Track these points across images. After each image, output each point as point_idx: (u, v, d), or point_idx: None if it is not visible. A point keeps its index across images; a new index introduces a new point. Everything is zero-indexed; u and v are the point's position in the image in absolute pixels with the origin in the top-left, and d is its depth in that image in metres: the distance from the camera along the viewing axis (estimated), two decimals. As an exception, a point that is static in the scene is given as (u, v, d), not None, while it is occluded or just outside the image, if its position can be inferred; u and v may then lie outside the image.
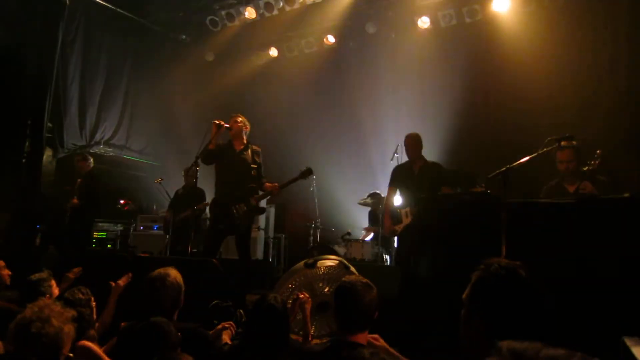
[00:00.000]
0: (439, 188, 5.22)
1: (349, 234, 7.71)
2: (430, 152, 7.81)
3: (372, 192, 7.84)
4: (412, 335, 3.51)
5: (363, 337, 2.52)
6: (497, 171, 3.42)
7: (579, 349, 0.93)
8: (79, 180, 7.16)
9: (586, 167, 4.10)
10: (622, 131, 6.60)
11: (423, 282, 3.71)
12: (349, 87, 9.64)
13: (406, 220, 5.40)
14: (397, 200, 5.79)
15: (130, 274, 3.85)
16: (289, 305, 3.00)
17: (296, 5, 8.08)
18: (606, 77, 7.09)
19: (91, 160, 7.32)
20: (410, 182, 5.48)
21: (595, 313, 2.70)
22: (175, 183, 8.06)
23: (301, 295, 3.24)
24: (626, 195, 3.13)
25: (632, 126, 6.54)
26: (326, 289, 3.47)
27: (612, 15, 7.18)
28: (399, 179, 5.65)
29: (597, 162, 4.04)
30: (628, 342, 1.70)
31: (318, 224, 8.17)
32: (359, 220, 8.76)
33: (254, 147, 5.41)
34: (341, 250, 7.17)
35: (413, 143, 5.55)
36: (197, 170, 5.25)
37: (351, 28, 9.21)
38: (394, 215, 5.58)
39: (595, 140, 5.41)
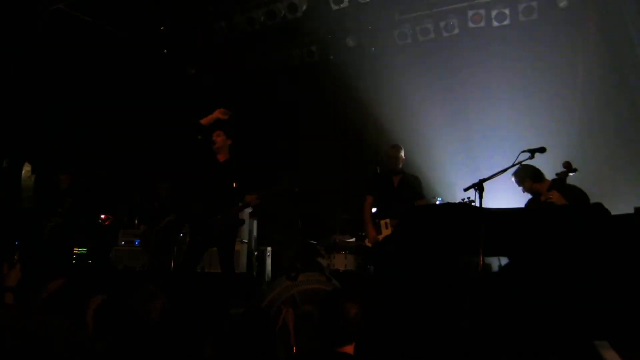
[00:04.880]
0: (416, 201, 5.41)
1: (332, 245, 7.72)
2: (410, 163, 7.94)
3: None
4: (399, 343, 3.56)
5: (350, 349, 2.53)
6: (472, 183, 3.52)
7: (552, 352, 0.99)
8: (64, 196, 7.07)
9: (555, 177, 4.26)
10: (595, 141, 6.84)
11: (407, 291, 3.76)
12: (330, 99, 9.74)
13: (386, 232, 5.44)
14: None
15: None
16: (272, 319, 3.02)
17: (277, 20, 8.16)
18: (579, 91, 7.32)
19: (75, 175, 7.24)
20: (390, 193, 5.55)
21: (569, 318, 2.77)
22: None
23: (284, 309, 3.25)
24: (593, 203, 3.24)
25: (605, 136, 6.78)
26: (308, 302, 3.50)
27: (584, 32, 7.43)
28: (379, 188, 5.69)
29: (564, 171, 4.19)
30: (598, 345, 1.77)
31: (301, 235, 8.17)
32: (342, 232, 8.80)
33: (238, 161, 5.43)
34: (325, 262, 7.19)
35: (396, 155, 5.61)
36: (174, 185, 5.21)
37: (331, 42, 9.34)
38: (375, 225, 5.62)
39: (570, 151, 5.60)
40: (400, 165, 5.64)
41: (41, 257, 6.85)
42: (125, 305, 2.81)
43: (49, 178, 7.99)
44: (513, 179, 4.68)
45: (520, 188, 4.70)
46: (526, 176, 4.55)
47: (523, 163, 4.25)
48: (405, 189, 5.50)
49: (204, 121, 5.15)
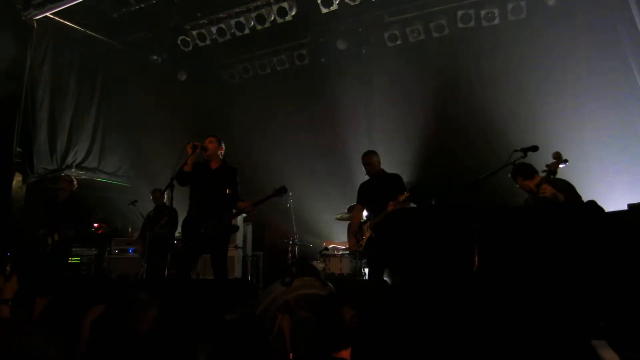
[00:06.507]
0: (396, 196, 5.32)
1: (327, 249, 7.72)
2: (403, 164, 7.95)
3: (349, 205, 7.90)
4: (393, 345, 3.54)
5: (347, 353, 2.51)
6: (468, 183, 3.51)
7: (550, 352, 0.97)
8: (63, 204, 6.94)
9: (545, 170, 4.23)
10: (588, 138, 6.87)
11: (398, 295, 3.75)
12: (322, 102, 9.74)
13: (367, 234, 5.49)
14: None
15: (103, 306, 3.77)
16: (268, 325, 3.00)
17: (267, 24, 8.15)
18: (570, 88, 7.34)
19: (75, 183, 7.15)
20: (370, 196, 5.60)
21: (565, 317, 2.77)
22: (151, 204, 8.00)
23: (280, 315, 3.23)
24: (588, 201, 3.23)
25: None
26: (304, 307, 3.47)
27: (573, 30, 7.47)
28: (363, 195, 5.75)
29: (554, 163, 4.17)
30: (595, 344, 1.76)
31: (296, 240, 8.17)
32: (336, 235, 8.81)
33: (230, 167, 5.41)
34: (320, 265, 7.18)
35: (368, 161, 5.63)
36: (169, 191, 5.17)
37: (322, 45, 9.35)
38: (359, 231, 5.67)
39: (563, 149, 5.59)
40: (378, 169, 5.64)
41: (39, 268, 6.71)
42: (118, 315, 2.78)
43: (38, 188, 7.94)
44: (510, 176, 4.66)
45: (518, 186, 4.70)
46: (518, 174, 4.57)
47: (516, 162, 4.26)
48: (381, 190, 5.50)
49: (187, 167, 5.15)
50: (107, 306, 3.65)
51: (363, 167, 5.69)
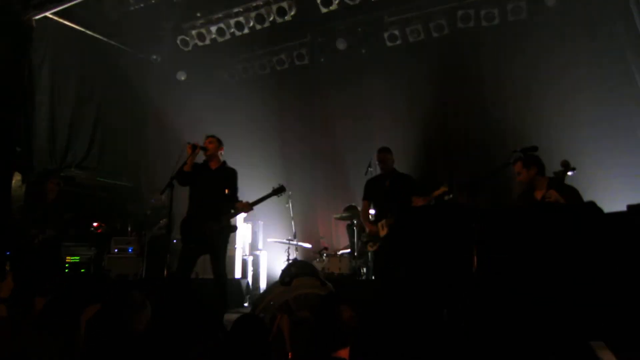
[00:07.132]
0: (409, 198, 5.33)
1: (326, 248, 7.72)
2: (402, 164, 7.96)
3: (347, 205, 7.90)
4: (392, 345, 3.53)
5: (345, 353, 2.52)
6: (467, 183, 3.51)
7: (548, 353, 0.97)
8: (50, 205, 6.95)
9: (553, 176, 4.23)
10: (587, 139, 6.87)
11: (400, 294, 3.74)
12: (321, 102, 9.74)
13: (383, 233, 5.46)
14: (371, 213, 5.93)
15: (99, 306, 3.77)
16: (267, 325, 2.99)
17: (266, 24, 8.16)
18: (569, 90, 7.33)
19: (61, 184, 7.15)
20: (382, 194, 5.61)
21: (564, 318, 2.76)
22: (150, 204, 8.00)
23: (279, 316, 3.22)
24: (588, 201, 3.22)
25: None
26: (303, 307, 3.47)
27: (573, 34, 7.47)
28: (372, 192, 5.76)
29: (562, 170, 4.16)
30: (594, 346, 1.76)
31: (295, 240, 8.17)
32: (336, 235, 8.81)
33: (230, 167, 5.41)
34: (319, 265, 7.18)
35: (382, 158, 5.66)
36: (169, 191, 5.18)
37: (322, 44, 9.35)
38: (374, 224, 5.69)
39: (562, 150, 5.61)
40: (391, 167, 5.67)
41: (32, 268, 6.74)
42: (114, 315, 2.77)
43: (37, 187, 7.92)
44: (517, 166, 4.47)
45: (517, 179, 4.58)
46: (534, 164, 4.40)
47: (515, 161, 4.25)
48: (397, 189, 5.53)
49: (187, 167, 5.15)
50: (103, 306, 3.65)
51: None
